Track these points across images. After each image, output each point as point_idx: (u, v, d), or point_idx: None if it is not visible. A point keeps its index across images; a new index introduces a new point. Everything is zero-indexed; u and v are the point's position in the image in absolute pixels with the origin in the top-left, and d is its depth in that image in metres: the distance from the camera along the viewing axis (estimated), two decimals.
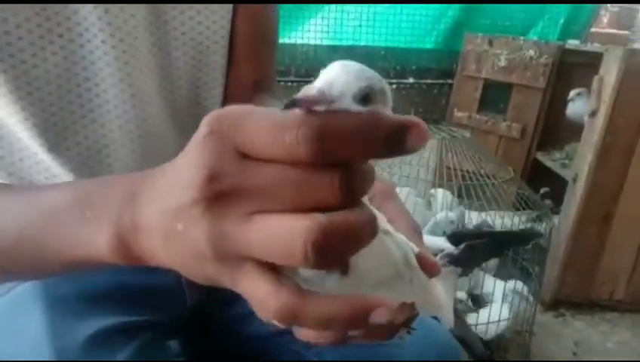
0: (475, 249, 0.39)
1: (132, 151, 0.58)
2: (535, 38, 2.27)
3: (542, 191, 1.92)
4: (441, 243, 0.41)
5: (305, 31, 2.19)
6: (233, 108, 0.25)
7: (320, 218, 0.23)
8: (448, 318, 0.37)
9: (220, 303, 0.71)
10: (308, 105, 0.23)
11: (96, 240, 0.31)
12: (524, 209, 1.40)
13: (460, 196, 1.37)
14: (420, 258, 0.34)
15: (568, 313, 1.80)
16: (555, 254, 1.74)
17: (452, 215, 1.44)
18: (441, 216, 1.44)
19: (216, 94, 0.66)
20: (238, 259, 0.25)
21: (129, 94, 0.56)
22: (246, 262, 0.25)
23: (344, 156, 0.24)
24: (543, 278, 1.58)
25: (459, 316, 0.41)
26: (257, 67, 0.67)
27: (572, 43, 2.01)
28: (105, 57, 0.53)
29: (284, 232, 0.23)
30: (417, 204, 1.50)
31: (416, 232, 0.37)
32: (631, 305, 1.83)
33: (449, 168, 1.41)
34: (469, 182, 1.38)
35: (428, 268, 0.34)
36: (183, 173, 0.26)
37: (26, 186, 0.53)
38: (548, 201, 1.91)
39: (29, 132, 0.52)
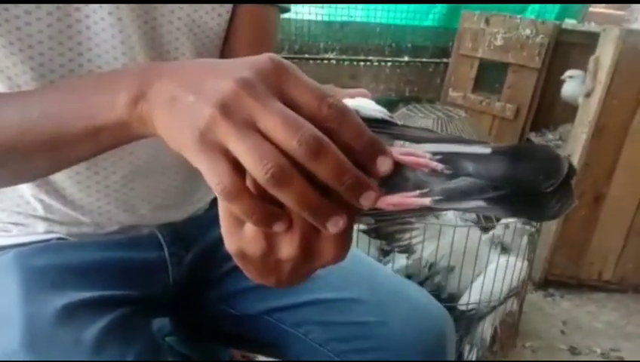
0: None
1: None
2: (532, 16, 2.25)
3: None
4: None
5: (298, 6, 2.15)
6: (291, 64, 0.31)
7: (287, 163, 0.28)
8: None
9: (207, 282, 0.71)
10: None
11: (116, 99, 0.34)
12: None
13: None
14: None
15: (557, 292, 1.83)
16: (546, 234, 1.75)
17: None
18: None
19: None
20: (215, 146, 0.29)
21: (122, 63, 0.54)
22: (219, 151, 0.29)
23: (340, 136, 0.30)
24: (533, 258, 1.59)
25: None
26: None
27: (569, 22, 1.99)
28: (101, 22, 0.52)
29: (262, 151, 0.28)
30: None
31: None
32: (619, 286, 1.85)
33: None
34: None
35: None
36: (227, 68, 0.31)
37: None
38: None
39: (18, 90, 0.50)
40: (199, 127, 0.29)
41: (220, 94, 0.29)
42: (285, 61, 0.31)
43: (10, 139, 0.40)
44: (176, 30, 0.58)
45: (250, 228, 0.31)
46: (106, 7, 0.52)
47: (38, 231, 0.61)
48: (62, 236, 0.62)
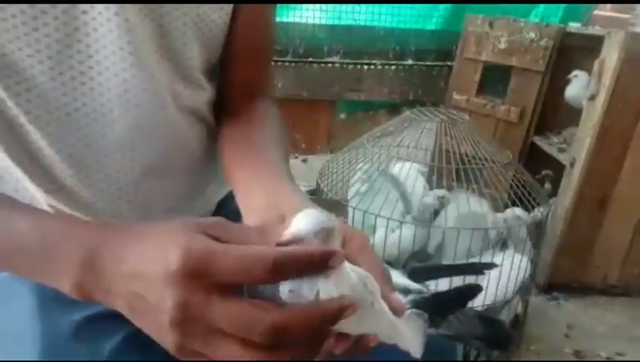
0: (438, 300, 0.45)
1: (128, 121, 0.57)
2: (537, 20, 2.25)
3: (543, 172, 1.92)
4: (401, 279, 0.49)
5: (303, 10, 2.15)
6: (201, 249, 0.33)
7: (250, 352, 0.32)
8: (416, 351, 0.44)
9: None
10: (281, 244, 0.34)
11: (60, 284, 0.38)
12: (521, 193, 1.40)
13: (458, 179, 1.37)
14: (385, 298, 0.40)
15: (562, 296, 1.82)
16: (551, 238, 1.75)
17: (430, 200, 1.43)
18: (426, 200, 1.43)
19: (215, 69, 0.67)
20: (195, 354, 0.34)
21: (129, 63, 0.55)
22: (200, 356, 0.33)
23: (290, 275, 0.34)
24: (537, 262, 1.59)
25: (444, 323, 0.48)
26: (254, 68, 0.69)
27: (573, 26, 1.99)
28: (108, 24, 0.52)
29: (231, 354, 0.32)
30: (418, 179, 1.50)
31: (385, 278, 0.42)
32: (624, 289, 1.85)
33: (447, 151, 1.40)
34: (467, 165, 1.37)
35: (394, 307, 0.40)
36: (156, 286, 0.33)
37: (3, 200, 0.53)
38: (547, 185, 1.91)
39: (25, 95, 0.51)
40: (171, 347, 0.33)
41: (166, 326, 0.33)
42: (192, 252, 0.32)
43: None
44: (183, 26, 0.58)
45: None
46: (112, 7, 0.52)
47: None
48: None
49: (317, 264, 0.33)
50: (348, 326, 0.36)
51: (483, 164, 1.39)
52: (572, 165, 1.72)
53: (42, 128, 0.53)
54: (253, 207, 0.49)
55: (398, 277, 0.48)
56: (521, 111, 2.04)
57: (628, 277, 1.83)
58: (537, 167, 1.95)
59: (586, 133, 1.66)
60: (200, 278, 0.32)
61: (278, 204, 0.47)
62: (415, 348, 0.44)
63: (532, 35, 1.96)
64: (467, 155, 1.41)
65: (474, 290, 0.46)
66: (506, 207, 1.47)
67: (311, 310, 0.33)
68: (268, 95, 0.72)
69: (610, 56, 1.57)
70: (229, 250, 0.32)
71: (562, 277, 1.82)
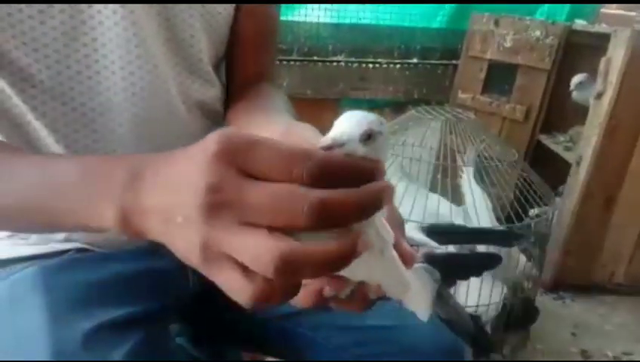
0: (454, 261, 0.42)
1: (135, 116, 0.57)
2: (543, 18, 2.23)
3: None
4: (418, 235, 0.43)
5: (308, 9, 2.15)
6: (243, 135, 0.29)
7: (283, 244, 0.27)
8: (423, 312, 0.40)
9: None
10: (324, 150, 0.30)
11: (101, 214, 0.34)
12: (527, 191, 1.40)
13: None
14: (397, 245, 0.36)
15: (568, 295, 1.81)
16: (557, 237, 1.74)
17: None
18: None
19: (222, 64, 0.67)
20: (220, 258, 0.29)
21: (135, 55, 0.54)
22: (225, 260, 0.29)
23: (333, 185, 0.28)
24: (543, 261, 1.58)
25: (446, 299, 0.44)
26: (259, 59, 0.69)
27: (579, 23, 1.98)
28: (113, 16, 0.52)
29: (258, 245, 0.28)
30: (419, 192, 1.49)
31: (399, 225, 0.40)
32: (630, 288, 1.84)
33: (452, 150, 1.40)
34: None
35: (404, 255, 0.37)
36: (190, 176, 0.29)
37: (36, 155, 0.51)
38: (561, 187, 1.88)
39: (31, 91, 0.51)
40: (196, 244, 0.29)
41: (196, 208, 0.28)
42: (233, 138, 0.29)
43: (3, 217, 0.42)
44: (190, 18, 0.59)
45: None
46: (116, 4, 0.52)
47: (58, 239, 0.60)
48: (81, 246, 0.61)
49: (364, 181, 0.29)
50: (351, 269, 0.31)
51: (488, 163, 1.38)
52: (578, 164, 1.71)
53: (49, 125, 0.53)
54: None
55: (414, 232, 0.44)
56: (527, 110, 2.03)
57: (635, 275, 1.82)
58: (543, 166, 1.94)
59: (592, 131, 1.65)
60: (237, 164, 0.29)
61: (292, 134, 0.44)
62: (422, 308, 0.40)
63: (538, 33, 1.95)
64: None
65: (494, 260, 0.42)
66: (512, 205, 1.47)
67: (351, 192, 0.29)
68: (272, 81, 0.72)
69: (617, 54, 1.56)
70: (273, 142, 0.29)
71: (569, 276, 1.81)
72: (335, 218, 0.28)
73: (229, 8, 0.63)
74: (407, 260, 0.37)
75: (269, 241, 0.27)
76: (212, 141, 0.29)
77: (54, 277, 0.56)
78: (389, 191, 0.30)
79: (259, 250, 0.27)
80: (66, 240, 0.60)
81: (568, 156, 1.83)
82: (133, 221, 0.33)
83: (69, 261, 0.59)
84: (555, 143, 1.97)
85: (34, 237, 0.60)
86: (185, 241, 0.30)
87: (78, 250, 0.61)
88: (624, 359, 1.56)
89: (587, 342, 1.60)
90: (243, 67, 0.68)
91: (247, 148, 0.29)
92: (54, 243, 0.60)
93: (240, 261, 0.28)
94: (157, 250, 0.63)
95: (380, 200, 0.29)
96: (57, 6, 0.49)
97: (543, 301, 1.75)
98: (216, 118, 0.68)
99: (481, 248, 1.11)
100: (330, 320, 0.66)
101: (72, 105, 0.53)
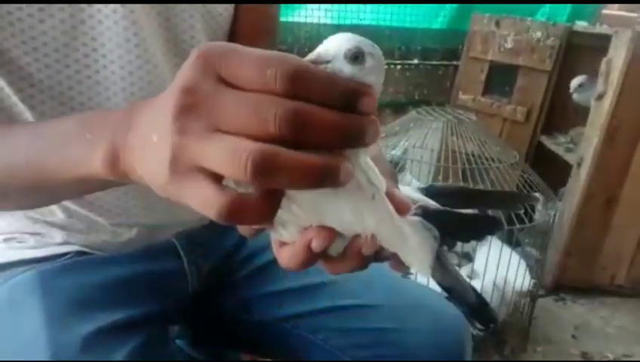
0: (452, 219, 0.38)
1: None
2: (543, 19, 2.23)
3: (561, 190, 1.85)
4: (416, 195, 0.40)
5: (308, 9, 2.15)
6: (223, 43, 0.28)
7: (264, 146, 0.25)
8: (422, 269, 0.37)
9: (224, 289, 0.71)
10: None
11: (93, 157, 0.34)
12: (527, 193, 1.39)
13: (464, 180, 1.36)
14: (389, 195, 0.34)
15: (569, 297, 1.81)
16: (558, 238, 1.74)
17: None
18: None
19: None
20: (191, 169, 0.27)
21: (134, 55, 0.54)
22: (197, 172, 0.27)
23: (310, 98, 0.26)
24: (544, 262, 1.58)
25: (446, 265, 0.41)
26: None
27: (580, 25, 1.98)
28: (113, 15, 0.52)
29: (233, 148, 0.26)
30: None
31: (391, 176, 0.38)
32: (632, 290, 1.83)
33: (453, 151, 1.40)
34: (474, 165, 1.36)
35: (398, 205, 0.35)
36: (167, 91, 0.29)
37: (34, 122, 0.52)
38: (561, 189, 1.88)
39: (29, 90, 0.51)
40: (167, 158, 0.27)
41: (169, 116, 0.27)
42: (214, 45, 0.28)
43: None
44: (191, 18, 0.59)
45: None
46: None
47: (56, 241, 0.60)
48: (79, 249, 0.61)
49: (348, 104, 0.27)
50: (340, 219, 0.29)
51: (489, 164, 1.38)
52: (579, 165, 1.70)
53: None
54: None
55: (411, 192, 0.39)
56: (528, 111, 2.03)
57: (636, 278, 1.82)
58: (544, 167, 1.94)
59: (593, 132, 1.65)
60: (213, 69, 0.27)
61: None
62: (420, 265, 0.36)
63: (539, 34, 1.94)
64: (473, 155, 1.40)
65: (494, 225, 0.38)
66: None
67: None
68: None
69: (618, 56, 1.55)
70: (251, 50, 0.27)
71: (570, 277, 1.81)
72: (310, 131, 0.26)
73: (230, 9, 0.63)
74: (401, 209, 0.35)
75: (243, 142, 0.26)
76: (193, 51, 0.28)
77: (53, 281, 0.56)
78: (375, 125, 0.28)
79: (234, 151, 0.25)
80: (65, 242, 0.60)
81: (569, 157, 1.83)
82: (119, 159, 0.32)
83: (67, 264, 0.59)
84: (556, 144, 1.97)
85: (31, 240, 0.60)
86: (156, 160, 0.28)
87: (77, 253, 0.60)
88: (624, 361, 1.55)
89: (588, 344, 1.60)
90: None
91: (224, 54, 0.27)
92: (52, 246, 0.60)
93: (212, 169, 0.27)
94: (157, 252, 0.63)
95: (363, 129, 0.27)
96: (57, 4, 0.49)
97: (544, 302, 1.74)
98: None
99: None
100: (330, 322, 0.66)
101: (71, 104, 0.53)
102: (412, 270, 0.38)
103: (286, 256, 0.34)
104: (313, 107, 0.26)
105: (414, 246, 0.36)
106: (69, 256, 0.60)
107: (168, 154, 0.27)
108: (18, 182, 0.41)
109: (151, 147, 0.29)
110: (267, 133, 0.26)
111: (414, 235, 0.36)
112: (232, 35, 0.65)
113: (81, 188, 0.39)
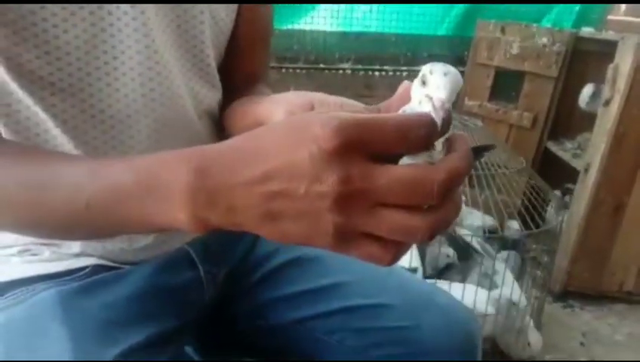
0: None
1: (154, 121, 0.57)
2: (549, 25, 2.23)
3: (565, 186, 1.87)
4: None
5: (314, 17, 2.16)
6: (361, 119, 0.30)
7: (429, 218, 0.31)
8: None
9: (237, 296, 0.71)
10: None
11: (172, 217, 0.34)
12: (534, 199, 1.39)
13: (470, 186, 1.36)
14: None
15: (577, 304, 1.79)
16: (565, 245, 1.73)
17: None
18: None
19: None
20: (356, 237, 0.31)
21: (154, 61, 0.55)
22: (363, 237, 0.31)
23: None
24: (552, 269, 1.57)
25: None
26: (255, 60, 0.72)
27: (586, 31, 1.98)
28: (133, 23, 0.53)
29: (404, 224, 0.30)
30: None
31: None
32: None
33: None
34: (480, 171, 1.36)
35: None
36: (305, 171, 0.30)
37: (81, 156, 0.52)
38: (567, 197, 1.88)
39: (50, 99, 0.51)
40: (331, 235, 0.31)
41: (333, 202, 0.30)
42: (349, 125, 0.30)
43: (54, 224, 0.42)
44: (201, 24, 0.60)
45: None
46: (137, 8, 0.53)
47: (72, 252, 0.59)
48: (96, 262, 0.59)
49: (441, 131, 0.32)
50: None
51: (496, 170, 1.38)
52: (587, 171, 1.70)
53: (69, 131, 0.53)
54: (275, 107, 0.49)
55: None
56: (535, 117, 2.03)
57: None
58: (551, 173, 1.93)
59: (600, 138, 1.64)
60: (359, 150, 0.30)
61: (301, 96, 0.46)
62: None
63: (544, 40, 1.94)
64: (480, 161, 1.40)
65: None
66: (519, 213, 1.46)
67: (463, 154, 0.32)
68: (265, 82, 0.74)
69: (624, 62, 1.55)
70: (386, 119, 0.30)
71: (578, 284, 1.80)
72: (454, 188, 0.31)
73: (231, 15, 0.64)
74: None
75: (414, 219, 0.30)
76: (326, 134, 0.29)
77: (73, 302, 0.55)
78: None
79: (406, 227, 0.30)
80: (81, 253, 0.59)
81: (576, 163, 1.82)
82: (215, 223, 0.33)
83: (86, 283, 0.57)
84: (563, 150, 1.96)
85: (47, 252, 0.58)
86: (306, 232, 0.31)
87: (94, 267, 0.59)
88: None
89: (596, 352, 1.58)
90: (240, 68, 0.70)
91: (364, 133, 0.30)
92: (69, 259, 0.59)
93: (379, 235, 0.31)
94: (173, 262, 0.63)
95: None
96: (80, 14, 0.50)
97: (552, 309, 1.73)
98: (218, 122, 0.69)
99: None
100: (345, 322, 0.66)
101: (92, 112, 0.53)
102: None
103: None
104: (456, 168, 0.31)
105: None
106: (86, 270, 0.59)
107: (330, 229, 0.31)
108: (78, 227, 0.41)
109: (292, 220, 0.31)
110: (426, 204, 0.31)
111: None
112: (232, 41, 0.66)
113: (146, 232, 0.40)
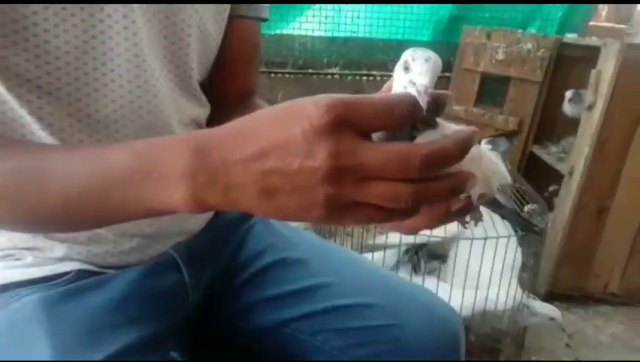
0: None
1: (140, 127, 0.57)
2: (533, 31, 2.27)
3: (551, 188, 1.90)
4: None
5: (302, 22, 2.17)
6: (350, 98, 0.32)
7: (417, 187, 0.32)
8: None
9: (221, 300, 0.71)
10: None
11: (169, 198, 0.35)
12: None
13: None
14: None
15: (562, 306, 1.81)
16: (550, 247, 1.75)
17: None
18: None
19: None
20: (346, 206, 0.33)
21: (142, 69, 0.56)
22: (354, 205, 0.33)
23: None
24: (538, 271, 1.59)
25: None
26: (248, 76, 0.73)
27: (570, 36, 2.01)
28: (123, 32, 0.53)
29: (391, 192, 0.32)
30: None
31: None
32: (625, 299, 1.84)
33: None
34: None
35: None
36: (298, 147, 0.31)
37: (77, 146, 0.52)
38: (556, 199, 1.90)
39: (38, 102, 0.51)
40: (321, 206, 0.32)
41: (322, 176, 0.31)
42: (339, 101, 0.32)
43: (51, 213, 0.41)
44: (188, 37, 0.60)
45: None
46: (129, 16, 0.53)
47: (56, 256, 0.58)
48: (80, 267, 0.59)
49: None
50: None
51: None
52: (571, 174, 1.72)
53: (55, 134, 0.53)
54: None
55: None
56: (520, 121, 2.05)
57: (629, 285, 1.83)
58: (536, 177, 1.96)
59: (584, 142, 1.67)
60: (348, 127, 0.31)
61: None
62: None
63: (529, 45, 1.97)
64: None
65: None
66: (503, 217, 1.47)
67: (455, 137, 0.34)
68: (258, 95, 0.75)
69: (607, 67, 1.58)
70: (372, 98, 0.33)
71: (563, 286, 1.82)
72: (439, 165, 0.33)
73: (219, 30, 0.64)
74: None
75: (399, 186, 0.32)
76: (318, 112, 0.31)
77: (55, 307, 0.55)
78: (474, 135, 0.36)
79: (394, 194, 0.32)
80: (65, 257, 0.59)
81: (561, 167, 1.84)
82: (212, 202, 0.34)
83: (68, 289, 0.57)
84: (547, 154, 1.99)
85: (29, 257, 0.58)
86: (300, 207, 0.33)
87: (77, 272, 0.59)
88: None
89: (582, 353, 1.60)
90: (233, 85, 0.71)
91: (354, 110, 0.31)
92: (52, 264, 0.58)
93: (370, 203, 0.33)
94: (157, 266, 0.63)
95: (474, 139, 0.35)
96: (71, 20, 0.50)
97: None
98: None
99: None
100: (328, 323, 0.67)
101: (78, 116, 0.54)
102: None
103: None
104: (440, 145, 0.33)
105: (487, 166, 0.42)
106: (69, 275, 0.58)
107: (320, 200, 0.32)
108: (77, 216, 0.41)
109: (287, 195, 0.32)
110: (410, 177, 0.32)
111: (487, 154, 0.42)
112: (224, 59, 0.67)
113: (147, 216, 0.39)
